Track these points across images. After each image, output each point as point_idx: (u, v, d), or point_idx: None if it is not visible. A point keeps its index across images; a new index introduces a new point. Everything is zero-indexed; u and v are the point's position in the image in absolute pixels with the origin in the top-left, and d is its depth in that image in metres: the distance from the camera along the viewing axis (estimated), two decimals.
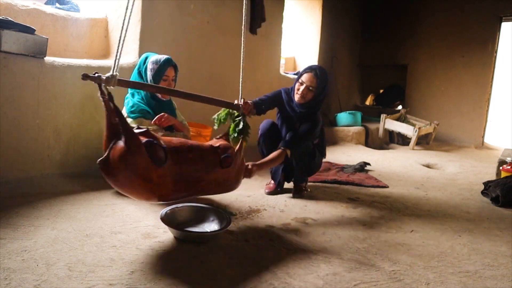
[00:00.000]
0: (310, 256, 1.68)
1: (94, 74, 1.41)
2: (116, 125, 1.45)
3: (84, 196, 2.26)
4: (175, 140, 1.70)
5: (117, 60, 1.46)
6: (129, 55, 3.05)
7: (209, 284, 1.38)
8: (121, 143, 1.42)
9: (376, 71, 7.84)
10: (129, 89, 2.36)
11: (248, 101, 2.17)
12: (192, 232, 1.79)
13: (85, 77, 1.39)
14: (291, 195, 2.63)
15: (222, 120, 2.10)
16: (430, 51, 6.80)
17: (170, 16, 3.28)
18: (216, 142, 1.91)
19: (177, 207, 1.93)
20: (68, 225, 1.80)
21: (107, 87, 1.43)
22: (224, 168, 1.82)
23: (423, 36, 6.86)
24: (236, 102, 2.09)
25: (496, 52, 6.30)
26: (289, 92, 2.57)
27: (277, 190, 2.69)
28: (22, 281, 1.29)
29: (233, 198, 2.45)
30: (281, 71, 5.35)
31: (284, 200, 2.53)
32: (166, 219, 1.77)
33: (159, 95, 2.32)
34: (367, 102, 8.11)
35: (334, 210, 2.39)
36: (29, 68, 2.37)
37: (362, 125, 5.89)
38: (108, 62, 2.95)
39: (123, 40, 1.47)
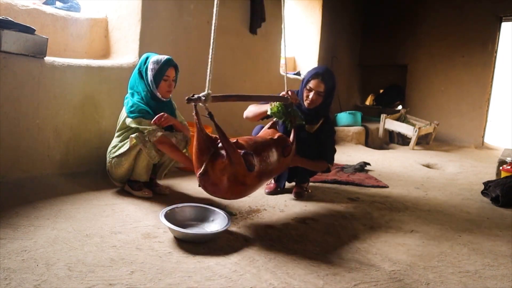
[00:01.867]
0: (310, 256, 1.68)
1: (193, 96, 1.55)
2: (205, 141, 1.67)
3: (84, 196, 2.26)
4: (250, 141, 1.89)
5: (208, 81, 1.61)
6: (129, 55, 3.05)
7: (208, 284, 1.38)
8: (220, 157, 1.65)
9: (376, 71, 7.83)
10: (129, 89, 2.36)
11: (290, 91, 2.32)
12: (192, 232, 1.79)
13: (189, 100, 1.55)
14: (291, 195, 2.63)
15: (279, 110, 2.29)
16: (430, 51, 6.79)
17: (170, 16, 3.28)
18: (273, 134, 2.17)
19: (177, 207, 1.93)
20: (68, 225, 1.80)
21: (205, 104, 1.58)
22: (286, 157, 2.09)
23: (423, 36, 6.86)
24: (282, 93, 2.30)
25: (496, 52, 6.29)
26: (296, 95, 2.57)
27: (277, 190, 2.69)
28: (22, 281, 1.29)
29: None
30: (281, 71, 5.35)
31: (284, 200, 2.53)
32: (166, 219, 1.77)
33: (159, 95, 2.32)
34: (367, 102, 8.10)
35: (334, 210, 2.39)
36: (29, 68, 2.37)
37: (362, 125, 5.89)
38: (108, 62, 2.95)
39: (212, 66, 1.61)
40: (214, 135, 1.77)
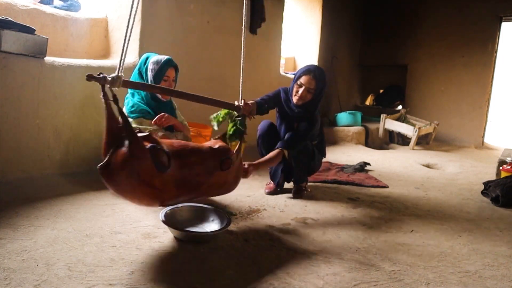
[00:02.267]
0: (310, 256, 1.68)
1: (99, 74, 1.36)
2: (116, 129, 1.41)
3: (84, 196, 2.26)
4: (176, 143, 1.66)
5: (122, 61, 1.43)
6: (129, 55, 3.05)
7: (209, 284, 1.38)
8: (124, 148, 1.38)
9: (376, 71, 7.83)
10: (129, 89, 2.36)
11: (249, 102, 2.13)
12: (192, 232, 1.79)
13: (90, 77, 1.34)
14: (291, 195, 2.63)
15: (220, 120, 2.05)
16: (430, 51, 6.79)
17: (170, 16, 3.28)
18: (215, 143, 1.86)
19: (177, 207, 1.93)
20: (68, 225, 1.80)
21: (112, 88, 1.39)
22: (224, 171, 1.77)
23: (423, 36, 6.86)
24: (236, 103, 2.05)
25: (496, 52, 6.30)
26: (288, 91, 2.57)
27: (277, 190, 2.69)
28: (22, 281, 1.29)
29: (233, 198, 2.45)
30: (281, 71, 5.35)
31: (284, 200, 2.53)
32: (166, 219, 1.77)
33: (160, 96, 2.32)
34: (367, 102, 8.11)
35: (334, 210, 2.39)
36: (29, 68, 2.37)
37: (362, 125, 5.89)
38: (108, 62, 2.96)
39: (128, 40, 1.43)
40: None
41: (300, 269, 1.55)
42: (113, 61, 3.02)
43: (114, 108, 1.42)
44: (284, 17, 5.03)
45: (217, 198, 2.39)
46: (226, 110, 2.05)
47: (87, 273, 1.38)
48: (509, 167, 3.18)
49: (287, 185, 2.79)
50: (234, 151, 1.90)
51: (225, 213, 1.93)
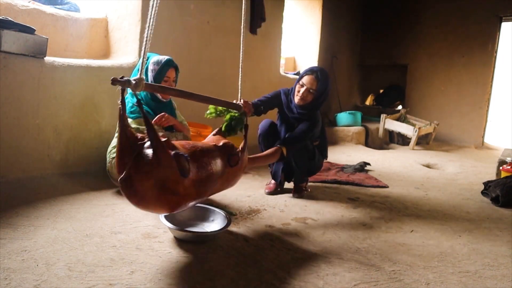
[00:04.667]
0: (310, 256, 1.68)
1: (122, 77, 1.30)
2: (132, 137, 1.36)
3: (84, 196, 2.26)
4: (187, 144, 1.61)
5: (143, 64, 1.36)
6: (129, 55, 3.05)
7: (209, 284, 1.38)
8: (147, 157, 1.31)
9: (376, 71, 7.84)
10: (128, 89, 2.36)
11: (248, 101, 2.18)
12: (192, 232, 1.79)
13: (114, 81, 1.28)
14: (291, 195, 2.63)
15: (218, 113, 2.09)
16: (430, 51, 6.80)
17: (170, 16, 3.28)
18: (218, 141, 1.85)
19: None
20: (68, 225, 1.80)
21: (137, 92, 1.35)
22: (232, 167, 1.79)
23: (423, 36, 6.86)
24: (235, 101, 2.10)
25: (496, 52, 6.30)
26: (288, 93, 2.57)
27: (277, 190, 2.69)
28: (22, 281, 1.29)
29: (233, 198, 2.45)
30: (281, 71, 5.35)
31: (284, 200, 2.53)
32: (166, 219, 1.76)
33: (159, 96, 2.32)
34: (367, 102, 8.11)
35: (334, 210, 2.39)
36: (29, 68, 2.37)
37: (362, 125, 5.89)
38: (108, 62, 2.95)
39: (149, 41, 1.36)
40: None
41: (300, 269, 1.55)
42: (113, 61, 3.02)
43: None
44: (284, 17, 5.03)
45: (217, 198, 2.39)
46: (222, 108, 2.08)
47: (87, 273, 1.38)
48: (509, 167, 3.18)
49: (287, 185, 2.79)
50: (240, 147, 1.91)
51: (225, 213, 1.93)
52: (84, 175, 2.63)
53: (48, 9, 2.91)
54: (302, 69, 5.88)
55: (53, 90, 2.53)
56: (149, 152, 1.32)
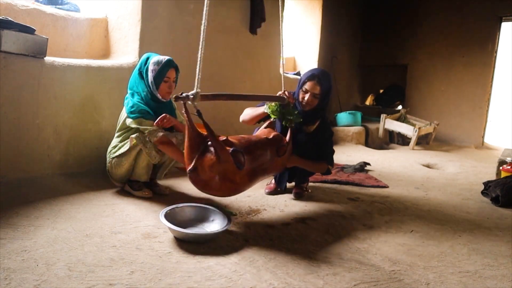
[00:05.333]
0: (310, 256, 1.68)
1: (181, 94, 1.58)
2: (198, 137, 1.69)
3: (84, 196, 2.26)
4: (243, 140, 1.91)
5: (198, 79, 1.64)
6: (129, 55, 3.05)
7: (208, 284, 1.38)
8: (210, 154, 1.66)
9: (376, 71, 7.83)
10: (129, 89, 2.36)
11: (287, 91, 2.36)
12: (192, 232, 1.79)
13: (177, 99, 1.58)
14: (291, 195, 2.63)
15: (276, 111, 2.32)
16: (430, 51, 6.79)
17: (170, 16, 3.28)
18: (269, 134, 2.19)
19: (177, 207, 1.93)
20: (68, 225, 1.80)
21: (195, 103, 1.60)
22: (280, 157, 2.11)
23: (423, 36, 6.86)
24: (279, 93, 2.32)
25: (496, 52, 6.30)
26: (292, 96, 2.57)
27: (277, 190, 2.69)
28: (22, 281, 1.29)
29: (233, 198, 2.45)
30: (281, 71, 5.34)
31: (284, 200, 2.53)
32: (166, 219, 1.77)
33: (159, 96, 2.32)
34: (367, 102, 8.11)
35: (334, 210, 2.39)
36: (29, 68, 2.37)
37: (362, 125, 5.89)
38: (108, 62, 2.95)
39: (201, 58, 1.68)
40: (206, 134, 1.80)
41: (300, 269, 1.55)
42: (113, 61, 3.02)
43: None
44: (284, 17, 5.02)
45: (217, 198, 2.39)
46: (274, 102, 2.33)
47: (87, 273, 1.38)
48: (509, 167, 3.18)
49: (287, 185, 2.79)
50: (287, 138, 2.23)
51: (225, 213, 1.93)
52: (84, 175, 2.64)
53: (48, 9, 2.91)
54: (302, 69, 5.89)
55: (53, 90, 2.53)
56: (212, 150, 1.67)
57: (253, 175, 1.86)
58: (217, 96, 1.93)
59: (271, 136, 2.12)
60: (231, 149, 1.74)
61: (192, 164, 1.68)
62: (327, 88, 2.45)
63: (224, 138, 1.79)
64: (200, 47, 1.71)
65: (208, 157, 1.66)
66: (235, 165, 1.72)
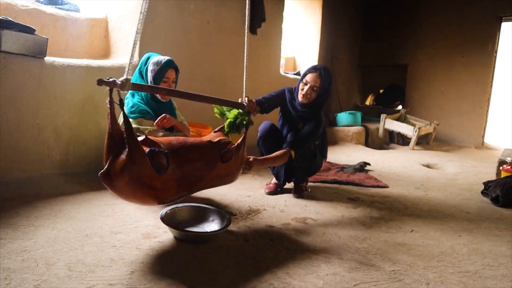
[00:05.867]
0: (310, 256, 1.68)
1: (108, 79, 1.34)
2: (118, 134, 1.42)
3: (84, 196, 2.26)
4: (175, 141, 1.68)
5: (130, 64, 1.42)
6: (129, 55, 3.05)
7: (209, 284, 1.38)
8: (123, 155, 1.39)
9: (376, 71, 7.84)
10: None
11: (252, 100, 2.22)
12: (192, 232, 1.79)
13: (100, 82, 1.31)
14: (291, 195, 2.63)
15: (223, 112, 2.14)
16: (430, 51, 6.80)
17: (170, 16, 3.28)
18: (215, 137, 1.92)
19: (177, 207, 1.93)
20: (68, 225, 1.80)
21: (121, 92, 1.37)
22: (225, 163, 1.83)
23: (423, 36, 6.86)
24: (240, 100, 2.15)
25: (496, 52, 6.30)
26: (293, 91, 2.59)
27: (277, 190, 2.69)
28: (22, 281, 1.29)
29: (233, 198, 2.45)
30: (281, 71, 5.35)
31: (284, 200, 2.53)
32: (166, 219, 1.77)
33: (159, 96, 2.32)
34: (367, 102, 8.11)
35: (334, 210, 2.39)
36: (29, 68, 2.37)
37: (362, 125, 5.89)
38: (108, 62, 2.96)
39: (137, 43, 1.45)
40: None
41: (300, 269, 1.55)
42: (113, 61, 3.02)
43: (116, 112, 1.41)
44: (284, 17, 5.03)
45: (217, 198, 2.39)
46: (235, 110, 2.12)
47: (87, 273, 1.38)
48: (509, 167, 3.18)
49: (287, 185, 2.79)
50: (236, 143, 1.94)
51: (225, 213, 1.93)
52: (84, 175, 2.63)
53: (48, 9, 2.91)
54: (302, 69, 5.89)
55: (53, 90, 2.53)
56: (126, 150, 1.39)
57: (183, 182, 1.61)
58: (153, 89, 1.76)
59: (215, 140, 1.85)
60: (149, 148, 1.48)
61: (106, 166, 1.39)
62: (327, 83, 2.45)
63: (143, 136, 1.54)
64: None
65: (121, 157, 1.39)
66: (153, 168, 1.45)
